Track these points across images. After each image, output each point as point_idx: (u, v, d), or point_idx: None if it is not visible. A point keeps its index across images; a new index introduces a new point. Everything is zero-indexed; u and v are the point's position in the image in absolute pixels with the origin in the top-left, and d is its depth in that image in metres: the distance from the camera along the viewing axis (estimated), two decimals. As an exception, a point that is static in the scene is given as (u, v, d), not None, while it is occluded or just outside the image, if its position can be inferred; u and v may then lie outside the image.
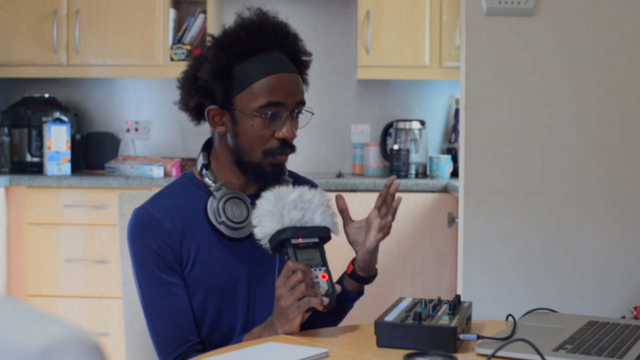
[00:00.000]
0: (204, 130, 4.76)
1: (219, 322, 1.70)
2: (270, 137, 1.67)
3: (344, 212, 1.75)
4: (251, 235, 1.64)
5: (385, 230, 1.70)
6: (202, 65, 1.69)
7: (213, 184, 1.70)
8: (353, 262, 1.75)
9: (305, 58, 1.76)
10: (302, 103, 1.70)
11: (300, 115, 1.72)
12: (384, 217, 1.71)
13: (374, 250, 1.71)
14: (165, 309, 1.67)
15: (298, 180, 1.81)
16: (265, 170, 1.69)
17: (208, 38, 1.74)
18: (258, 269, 1.71)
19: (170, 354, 1.66)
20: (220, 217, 1.66)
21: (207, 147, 1.77)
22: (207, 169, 1.73)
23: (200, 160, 1.74)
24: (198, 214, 1.69)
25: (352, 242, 1.75)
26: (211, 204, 1.68)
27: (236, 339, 1.68)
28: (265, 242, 1.60)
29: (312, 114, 1.74)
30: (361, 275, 1.73)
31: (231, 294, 1.70)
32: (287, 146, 1.68)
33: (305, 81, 1.77)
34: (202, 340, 1.70)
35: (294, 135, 1.67)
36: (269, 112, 1.65)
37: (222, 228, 1.67)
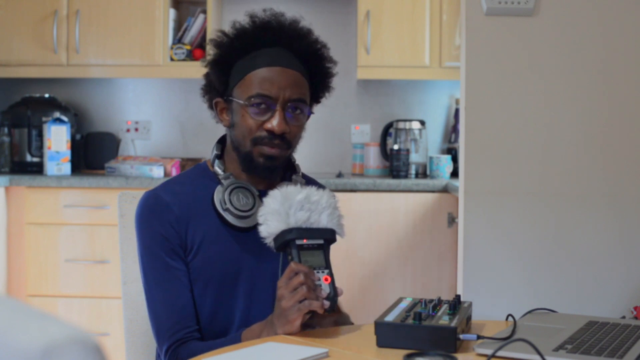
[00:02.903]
0: (204, 131, 4.76)
1: (217, 312, 1.71)
2: (259, 127, 1.69)
3: None
4: (257, 226, 1.64)
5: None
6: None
7: (222, 173, 1.73)
8: None
9: (326, 64, 1.79)
10: (298, 100, 1.71)
11: (300, 114, 1.72)
12: None
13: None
14: (166, 293, 1.68)
15: (307, 182, 1.82)
16: (255, 161, 1.70)
17: (217, 33, 1.78)
18: (262, 260, 1.72)
19: (168, 339, 1.67)
20: (225, 204, 1.68)
21: (223, 140, 1.80)
22: (219, 160, 1.76)
23: (214, 152, 1.77)
24: (206, 202, 1.72)
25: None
26: (218, 192, 1.70)
27: (235, 332, 1.68)
28: (270, 241, 1.60)
29: (310, 113, 1.75)
30: None
31: (232, 285, 1.71)
32: (276, 138, 1.68)
33: (326, 88, 1.81)
34: (200, 329, 1.71)
35: (283, 129, 1.68)
36: (257, 103, 1.68)
37: (226, 215, 1.68)
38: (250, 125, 1.69)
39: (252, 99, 1.68)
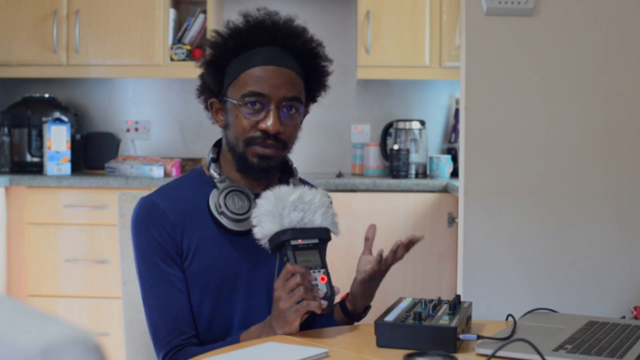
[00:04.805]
0: (204, 131, 4.76)
1: (216, 316, 1.70)
2: (252, 127, 1.68)
3: (367, 241, 1.71)
4: (253, 229, 1.64)
5: (381, 266, 1.64)
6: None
7: (218, 177, 1.71)
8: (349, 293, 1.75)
9: (321, 62, 1.76)
10: (293, 99, 1.69)
11: (295, 113, 1.70)
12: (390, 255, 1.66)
13: (366, 284, 1.68)
14: (162, 299, 1.67)
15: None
16: (250, 161, 1.69)
17: (212, 33, 1.77)
18: (259, 263, 1.71)
19: (166, 345, 1.67)
20: (220, 207, 1.66)
21: (219, 144, 1.79)
22: (215, 163, 1.75)
23: (210, 155, 1.76)
24: (202, 207, 1.70)
25: (357, 272, 1.72)
26: (213, 196, 1.69)
27: (234, 335, 1.68)
28: (264, 242, 1.60)
29: (305, 114, 1.74)
30: (348, 307, 1.72)
31: (230, 289, 1.70)
32: (269, 138, 1.67)
33: (322, 86, 1.78)
34: (199, 334, 1.70)
35: (277, 129, 1.66)
36: (251, 102, 1.67)
37: (222, 219, 1.67)
38: (244, 126, 1.67)
39: (246, 98, 1.67)
